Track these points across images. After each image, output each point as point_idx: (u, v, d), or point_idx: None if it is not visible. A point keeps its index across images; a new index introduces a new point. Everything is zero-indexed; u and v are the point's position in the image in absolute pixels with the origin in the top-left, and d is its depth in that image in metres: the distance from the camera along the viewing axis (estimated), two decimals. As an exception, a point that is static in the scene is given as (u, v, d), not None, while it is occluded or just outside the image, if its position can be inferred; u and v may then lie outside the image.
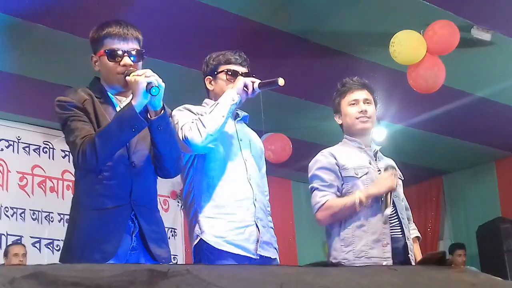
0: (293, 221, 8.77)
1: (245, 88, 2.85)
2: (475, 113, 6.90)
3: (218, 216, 2.82)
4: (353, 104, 3.23)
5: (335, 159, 3.17)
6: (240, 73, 2.97)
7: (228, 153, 2.91)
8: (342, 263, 2.97)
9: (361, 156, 3.20)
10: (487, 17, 5.22)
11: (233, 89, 2.86)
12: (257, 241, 2.83)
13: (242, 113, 3.07)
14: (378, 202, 3.09)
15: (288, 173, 8.47)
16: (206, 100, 3.04)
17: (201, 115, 2.85)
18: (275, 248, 3.01)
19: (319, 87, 6.07)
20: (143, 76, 2.30)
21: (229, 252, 2.76)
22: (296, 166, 8.08)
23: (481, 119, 7.08)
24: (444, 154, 8.23)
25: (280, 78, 2.79)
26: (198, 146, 2.76)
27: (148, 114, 2.36)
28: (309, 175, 3.21)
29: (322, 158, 3.21)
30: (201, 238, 2.79)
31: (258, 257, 2.82)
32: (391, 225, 3.08)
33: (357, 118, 3.21)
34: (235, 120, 3.00)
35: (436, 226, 9.04)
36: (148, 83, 2.28)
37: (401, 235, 3.10)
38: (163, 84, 2.33)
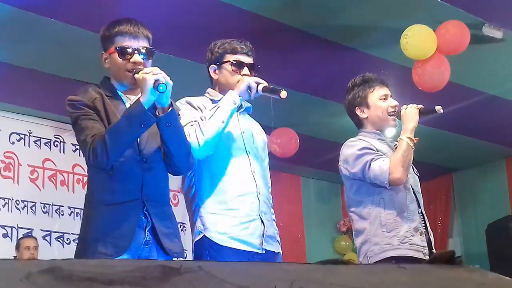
0: (302, 217, 8.78)
1: (248, 90, 2.79)
2: (485, 110, 6.88)
3: (222, 212, 2.77)
4: (384, 98, 3.26)
5: (367, 142, 3.21)
6: (246, 63, 2.92)
7: (230, 146, 2.86)
8: (352, 261, 2.99)
9: (383, 146, 3.23)
10: (499, 15, 5.21)
11: (235, 91, 2.80)
12: (262, 235, 2.79)
13: (245, 104, 2.99)
14: (412, 191, 3.16)
15: (297, 169, 8.48)
16: (209, 90, 2.99)
17: (201, 110, 2.81)
18: (278, 241, 2.96)
19: (328, 83, 6.08)
20: (151, 74, 2.33)
21: (233, 248, 2.72)
22: (306, 162, 8.11)
23: (491, 116, 7.06)
24: (454, 151, 8.22)
25: (283, 90, 2.74)
26: (195, 152, 2.70)
27: (157, 111, 2.38)
28: (352, 159, 3.16)
29: (357, 142, 3.22)
30: (204, 235, 2.75)
31: (264, 251, 2.78)
32: None
33: (389, 113, 3.24)
34: (238, 111, 2.91)
35: (446, 223, 9.03)
36: (156, 81, 2.30)
37: (425, 230, 3.15)
38: (170, 82, 2.35)
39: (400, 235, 3.05)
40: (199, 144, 2.68)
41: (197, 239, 2.78)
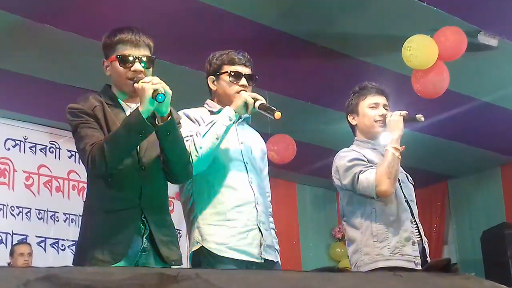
0: (297, 224, 8.78)
1: (245, 106, 2.80)
2: (480, 118, 6.90)
3: (220, 223, 2.78)
4: (374, 107, 3.27)
5: (359, 152, 3.22)
6: (243, 74, 2.94)
7: (228, 157, 2.87)
8: (348, 269, 3.00)
9: (376, 156, 3.24)
10: (494, 23, 5.23)
11: (231, 106, 2.82)
12: (261, 244, 2.80)
13: (244, 115, 3.00)
14: (404, 200, 3.16)
15: (293, 176, 8.49)
16: (208, 101, 3.01)
17: (199, 123, 2.82)
18: (276, 250, 2.98)
19: (325, 91, 6.10)
20: (150, 83, 2.34)
21: (232, 258, 2.73)
22: (301, 168, 8.12)
23: (486, 124, 7.08)
24: (449, 159, 8.23)
25: (277, 111, 2.74)
26: None
27: (156, 120, 2.39)
28: (342, 171, 3.18)
29: (348, 153, 3.23)
30: (202, 245, 2.76)
31: (263, 261, 2.79)
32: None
33: (375, 121, 3.24)
34: (236, 122, 2.93)
35: (441, 230, 9.04)
36: (154, 91, 2.32)
37: (419, 239, 3.14)
38: (169, 91, 2.36)
39: (391, 245, 3.06)
40: (193, 160, 2.68)
41: (194, 249, 2.79)
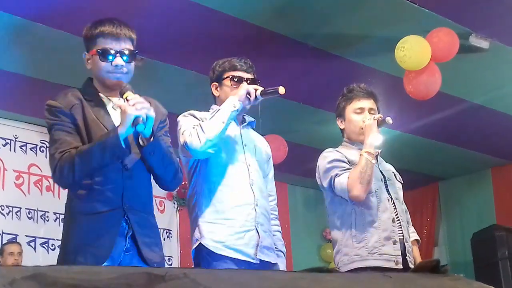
0: (288, 225, 8.76)
1: (247, 95, 2.88)
2: (472, 120, 6.93)
3: (218, 221, 2.85)
4: (359, 112, 3.27)
5: (341, 153, 3.22)
6: (245, 79, 3.00)
7: (231, 158, 2.95)
8: (337, 269, 3.02)
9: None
10: (486, 25, 5.25)
11: (235, 96, 2.89)
12: (257, 245, 2.85)
13: (248, 118, 3.12)
14: (387, 199, 3.15)
15: (284, 177, 8.48)
16: (213, 106, 3.08)
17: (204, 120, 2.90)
18: (281, 251, 3.08)
19: (317, 92, 6.10)
20: (134, 108, 2.27)
21: (228, 257, 2.79)
22: (293, 169, 8.11)
23: (477, 126, 7.10)
24: (440, 160, 8.25)
25: (280, 86, 2.84)
26: (197, 151, 2.80)
27: (140, 140, 2.35)
28: (322, 172, 3.22)
29: (329, 154, 3.25)
30: (200, 243, 2.83)
31: (258, 262, 2.84)
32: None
33: (361, 128, 3.23)
34: (240, 125, 3.05)
35: (431, 232, 9.06)
36: (135, 118, 2.26)
37: (401, 238, 3.14)
38: (153, 114, 2.30)
39: (369, 245, 3.07)
40: (200, 142, 2.76)
41: (194, 246, 2.87)
